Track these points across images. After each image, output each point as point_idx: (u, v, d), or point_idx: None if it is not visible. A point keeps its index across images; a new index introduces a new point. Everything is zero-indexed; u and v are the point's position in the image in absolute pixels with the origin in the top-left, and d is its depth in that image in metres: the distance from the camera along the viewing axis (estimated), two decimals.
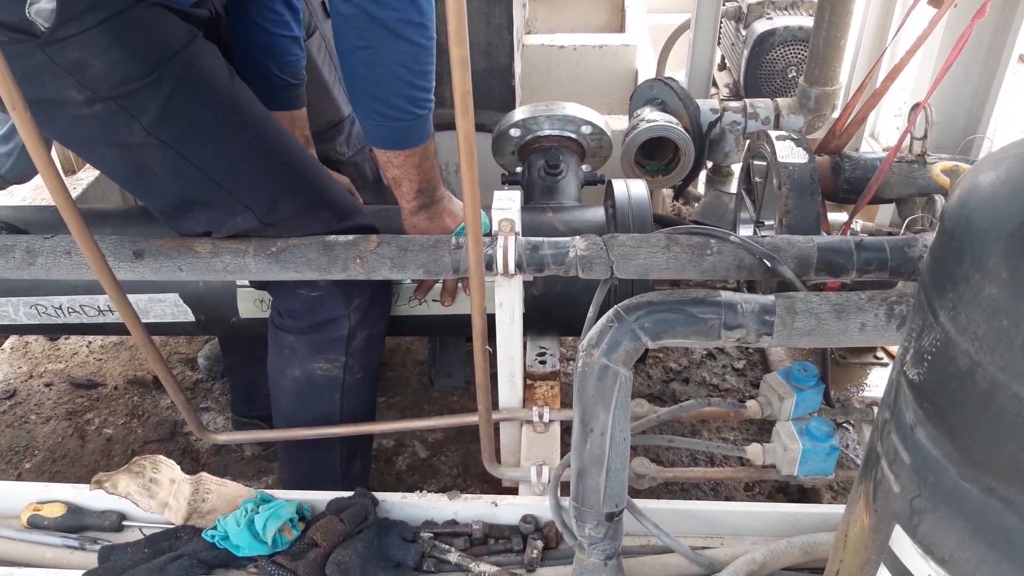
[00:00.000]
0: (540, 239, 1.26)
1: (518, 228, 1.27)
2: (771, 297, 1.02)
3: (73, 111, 1.11)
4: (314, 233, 1.31)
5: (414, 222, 1.38)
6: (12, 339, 2.42)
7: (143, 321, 1.55)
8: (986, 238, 0.56)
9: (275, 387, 1.54)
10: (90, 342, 2.45)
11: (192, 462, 2.05)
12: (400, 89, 1.21)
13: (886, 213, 1.99)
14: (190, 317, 1.59)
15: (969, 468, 0.59)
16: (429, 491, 1.92)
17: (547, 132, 1.75)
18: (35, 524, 1.29)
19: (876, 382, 2.19)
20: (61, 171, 1.03)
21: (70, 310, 1.59)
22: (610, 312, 1.00)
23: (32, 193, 3.12)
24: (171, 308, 1.58)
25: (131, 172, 1.25)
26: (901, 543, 0.68)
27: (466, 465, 2.00)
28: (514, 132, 1.77)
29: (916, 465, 0.64)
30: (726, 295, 1.01)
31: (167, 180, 1.23)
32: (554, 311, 1.57)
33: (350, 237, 1.29)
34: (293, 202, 1.30)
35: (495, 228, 1.27)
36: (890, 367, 2.24)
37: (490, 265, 1.25)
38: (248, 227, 1.28)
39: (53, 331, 1.92)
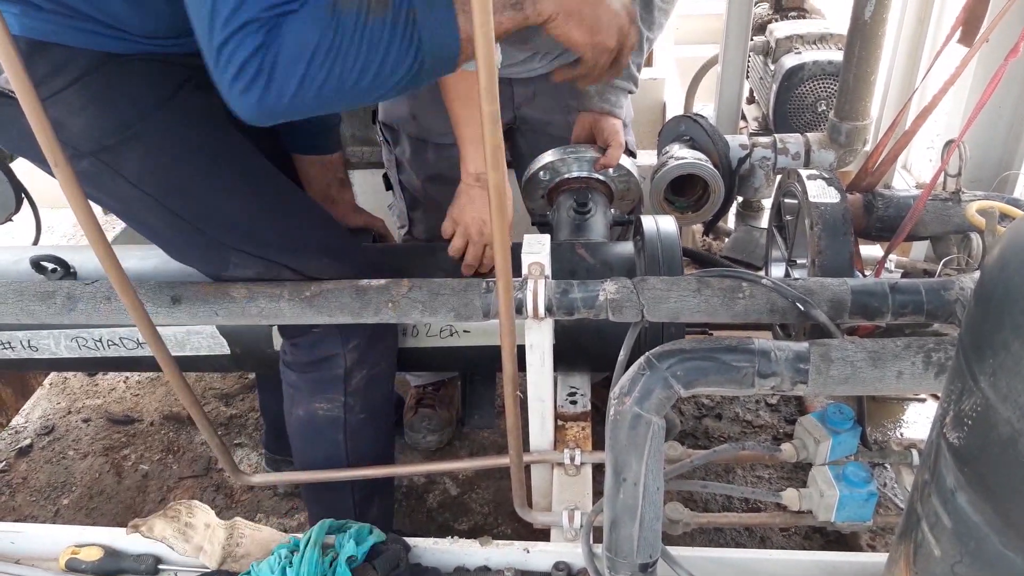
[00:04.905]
0: (570, 282, 1.26)
1: (548, 272, 1.28)
2: (805, 344, 1.01)
3: None
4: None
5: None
6: (52, 375, 2.46)
7: (180, 353, 1.58)
8: None
9: (287, 426, 1.55)
10: (127, 377, 2.49)
11: (226, 498, 2.07)
12: None
13: (920, 248, 1.97)
14: (226, 350, 1.61)
15: (1013, 537, 0.58)
16: (460, 529, 1.93)
17: (575, 174, 1.76)
18: (73, 568, 1.30)
19: (914, 418, 2.15)
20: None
21: (110, 342, 1.61)
22: (641, 359, 1.00)
23: (73, 230, 3.20)
24: (208, 340, 1.60)
25: (132, 220, 1.28)
26: None
27: (497, 503, 1.99)
28: (543, 175, 1.78)
29: (957, 530, 0.63)
30: (759, 342, 1.00)
31: (165, 231, 1.25)
32: (585, 345, 1.56)
33: (382, 281, 1.30)
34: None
35: (525, 271, 1.27)
36: (927, 403, 2.20)
37: (520, 309, 1.26)
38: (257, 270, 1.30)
39: (92, 366, 1.94)
